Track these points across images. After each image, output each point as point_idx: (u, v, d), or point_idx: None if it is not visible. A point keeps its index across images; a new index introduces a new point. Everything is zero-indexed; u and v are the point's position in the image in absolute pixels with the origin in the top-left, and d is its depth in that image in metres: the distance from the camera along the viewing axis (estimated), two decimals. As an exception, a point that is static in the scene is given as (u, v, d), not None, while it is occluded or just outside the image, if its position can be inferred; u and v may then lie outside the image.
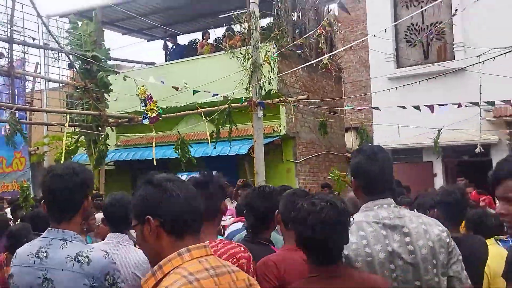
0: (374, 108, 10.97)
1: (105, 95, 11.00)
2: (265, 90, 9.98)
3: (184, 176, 10.39)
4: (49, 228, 2.09)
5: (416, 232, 1.95)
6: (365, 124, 15.08)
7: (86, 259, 2.00)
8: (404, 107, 9.62)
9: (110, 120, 11.22)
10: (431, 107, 9.00)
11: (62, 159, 9.98)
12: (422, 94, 10.64)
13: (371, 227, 1.95)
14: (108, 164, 11.34)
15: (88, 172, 2.22)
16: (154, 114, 9.70)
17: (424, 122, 11.42)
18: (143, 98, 9.56)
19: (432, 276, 1.92)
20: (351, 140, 18.49)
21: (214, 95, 10.08)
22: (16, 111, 9.53)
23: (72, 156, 13.38)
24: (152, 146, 11.04)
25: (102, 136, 10.76)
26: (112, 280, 2.06)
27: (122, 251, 2.26)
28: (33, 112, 12.89)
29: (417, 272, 1.91)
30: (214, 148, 11.23)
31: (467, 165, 12.26)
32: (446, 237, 1.98)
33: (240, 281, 1.54)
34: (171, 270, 1.43)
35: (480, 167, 8.75)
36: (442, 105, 8.88)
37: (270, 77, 9.83)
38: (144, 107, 9.77)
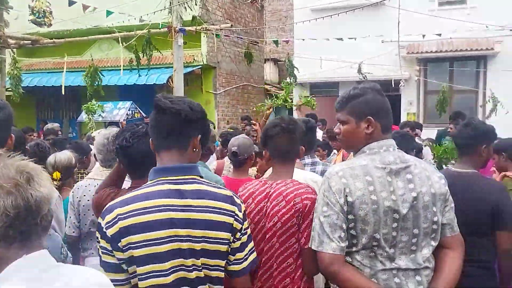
0: (298, 39, 10.90)
1: (4, 13, 9.79)
2: (190, 15, 9.42)
3: (109, 104, 9.69)
4: None
5: (419, 178, 1.86)
6: (284, 56, 15.07)
7: None
8: (327, 39, 9.65)
9: (11, 41, 10.07)
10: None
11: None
12: (342, 27, 10.70)
13: (378, 173, 1.83)
14: (9, 89, 10.25)
15: (9, 107, 1.98)
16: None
17: (343, 57, 11.63)
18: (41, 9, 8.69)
19: (429, 224, 1.85)
20: (269, 72, 18.49)
21: (129, 16, 9.37)
22: None
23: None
24: (60, 72, 10.18)
25: (4, 58, 9.70)
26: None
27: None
28: None
29: (416, 220, 1.83)
30: (139, 75, 10.63)
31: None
32: (444, 184, 1.91)
33: None
34: None
35: (390, 102, 9.12)
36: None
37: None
38: (39, 19, 8.91)
